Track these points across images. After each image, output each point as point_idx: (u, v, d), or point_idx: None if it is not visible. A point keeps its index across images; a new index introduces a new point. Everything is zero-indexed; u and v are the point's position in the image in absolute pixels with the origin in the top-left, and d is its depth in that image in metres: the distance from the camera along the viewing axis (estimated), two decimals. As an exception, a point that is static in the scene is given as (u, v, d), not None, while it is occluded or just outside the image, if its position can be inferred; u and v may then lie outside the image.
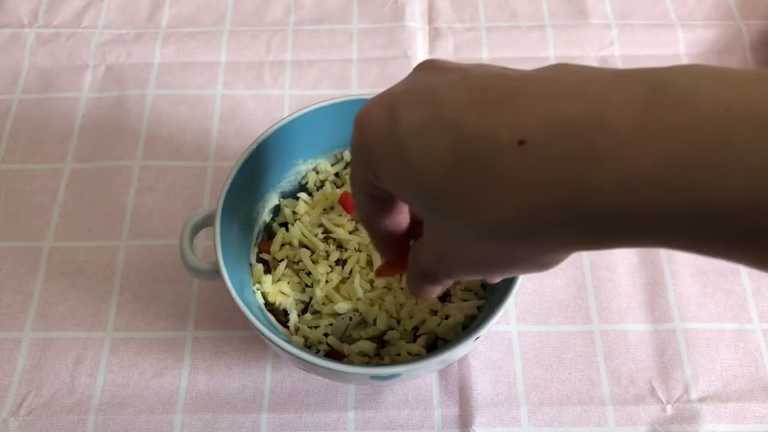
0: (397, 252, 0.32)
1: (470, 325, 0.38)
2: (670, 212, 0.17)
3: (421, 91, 0.22)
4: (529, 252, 0.21)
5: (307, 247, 0.41)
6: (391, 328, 0.39)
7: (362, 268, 0.40)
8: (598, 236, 0.19)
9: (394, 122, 0.22)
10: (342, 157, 0.44)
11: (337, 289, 0.40)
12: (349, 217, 0.42)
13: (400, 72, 0.55)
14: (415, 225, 0.32)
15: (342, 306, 0.38)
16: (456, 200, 0.21)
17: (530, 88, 0.20)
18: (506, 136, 0.19)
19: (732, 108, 0.16)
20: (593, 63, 0.55)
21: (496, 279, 0.33)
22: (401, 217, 0.30)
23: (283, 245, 0.41)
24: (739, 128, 0.16)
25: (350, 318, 0.38)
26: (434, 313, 0.39)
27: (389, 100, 0.24)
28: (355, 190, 0.28)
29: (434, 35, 0.57)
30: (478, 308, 0.39)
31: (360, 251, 0.41)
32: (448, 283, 0.30)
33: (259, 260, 0.41)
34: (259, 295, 0.40)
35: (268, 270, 0.41)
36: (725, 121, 0.16)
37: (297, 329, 0.39)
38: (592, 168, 0.18)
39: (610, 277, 0.46)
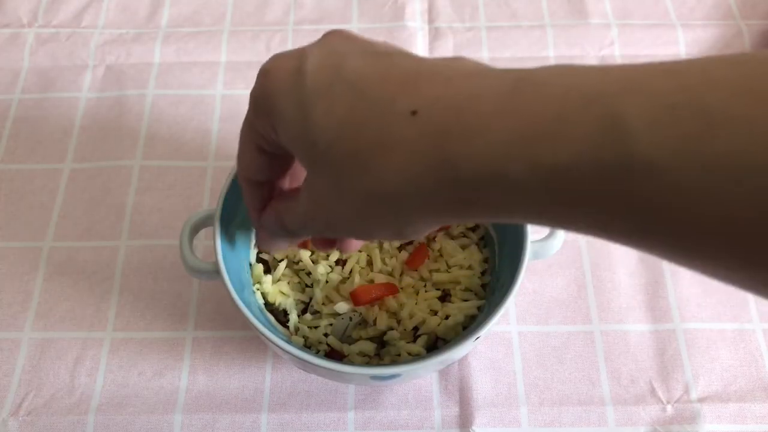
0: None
1: (470, 325, 0.38)
2: (515, 178, 0.19)
3: (330, 54, 0.24)
4: (406, 216, 0.23)
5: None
6: (391, 328, 0.38)
7: (362, 268, 0.40)
8: (466, 203, 0.21)
9: (301, 77, 0.24)
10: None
11: (337, 289, 0.40)
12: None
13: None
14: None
15: (342, 306, 0.38)
16: (348, 159, 0.22)
17: (430, 72, 0.22)
18: (402, 106, 0.21)
19: (571, 90, 0.19)
20: (593, 62, 0.55)
21: (355, 240, 0.34)
22: (280, 182, 0.31)
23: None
24: (570, 106, 0.18)
25: (350, 318, 0.38)
26: (434, 313, 0.39)
27: (298, 56, 0.25)
28: (243, 143, 0.29)
29: (434, 35, 0.57)
30: (478, 308, 0.39)
31: (360, 251, 0.41)
32: (299, 239, 0.32)
33: (259, 260, 0.41)
34: (259, 295, 0.40)
35: (268, 270, 0.41)
36: (563, 101, 0.19)
37: (297, 329, 0.39)
38: (462, 140, 0.20)
39: (610, 277, 0.46)
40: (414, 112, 0.21)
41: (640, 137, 0.17)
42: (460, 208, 0.21)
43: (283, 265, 0.40)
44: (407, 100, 0.21)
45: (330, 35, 0.26)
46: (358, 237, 0.27)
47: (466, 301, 0.39)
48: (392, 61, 0.23)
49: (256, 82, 0.26)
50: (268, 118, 0.25)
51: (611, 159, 0.17)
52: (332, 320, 0.39)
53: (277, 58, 0.26)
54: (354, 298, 0.38)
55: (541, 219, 0.21)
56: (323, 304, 0.39)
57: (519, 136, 0.19)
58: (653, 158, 0.17)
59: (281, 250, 0.32)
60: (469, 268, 0.40)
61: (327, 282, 0.40)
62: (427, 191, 0.21)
